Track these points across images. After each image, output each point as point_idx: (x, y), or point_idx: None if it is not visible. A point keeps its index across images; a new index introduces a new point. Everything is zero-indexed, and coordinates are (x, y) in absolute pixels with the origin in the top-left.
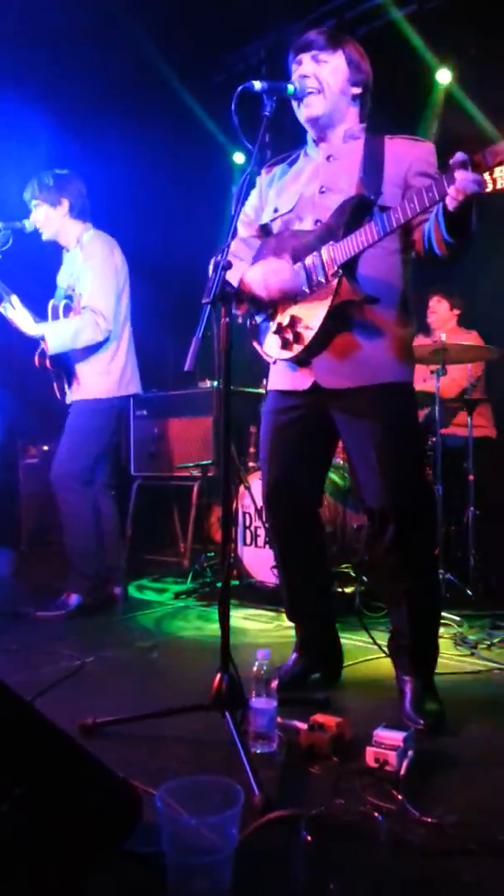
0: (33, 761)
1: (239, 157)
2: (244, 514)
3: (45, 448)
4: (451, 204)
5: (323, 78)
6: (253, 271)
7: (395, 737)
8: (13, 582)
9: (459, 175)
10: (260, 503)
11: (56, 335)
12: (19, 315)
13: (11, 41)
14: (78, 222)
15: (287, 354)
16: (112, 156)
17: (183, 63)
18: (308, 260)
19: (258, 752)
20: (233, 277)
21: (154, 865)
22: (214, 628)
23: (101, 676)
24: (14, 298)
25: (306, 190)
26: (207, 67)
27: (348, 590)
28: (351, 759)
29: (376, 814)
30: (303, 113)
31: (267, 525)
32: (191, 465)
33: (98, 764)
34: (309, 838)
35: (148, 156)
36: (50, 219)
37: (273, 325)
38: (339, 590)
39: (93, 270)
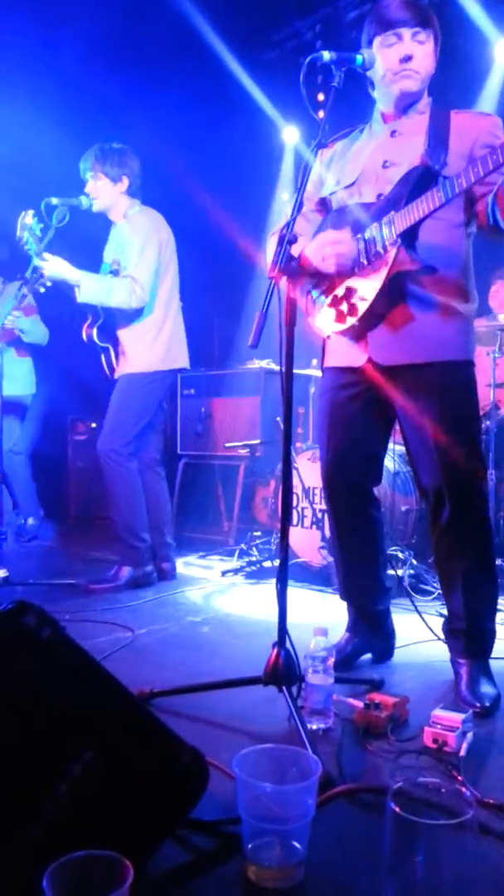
0: (107, 724)
1: (289, 134)
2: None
3: (94, 425)
4: None
5: (422, 59)
6: (312, 244)
7: (454, 718)
8: (62, 553)
9: None
10: (307, 483)
11: (90, 285)
12: (55, 263)
13: (62, 18)
14: (130, 199)
15: (340, 327)
16: (161, 131)
17: (235, 39)
18: (367, 232)
19: (314, 727)
20: (294, 252)
21: (223, 834)
22: (263, 606)
23: (154, 648)
24: (45, 254)
25: (369, 164)
26: (260, 43)
27: (397, 573)
28: (408, 739)
29: (464, 789)
30: (397, 86)
31: (324, 502)
32: (239, 444)
33: (168, 730)
34: (397, 809)
35: (197, 131)
36: (107, 192)
37: (328, 299)
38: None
39: (136, 243)
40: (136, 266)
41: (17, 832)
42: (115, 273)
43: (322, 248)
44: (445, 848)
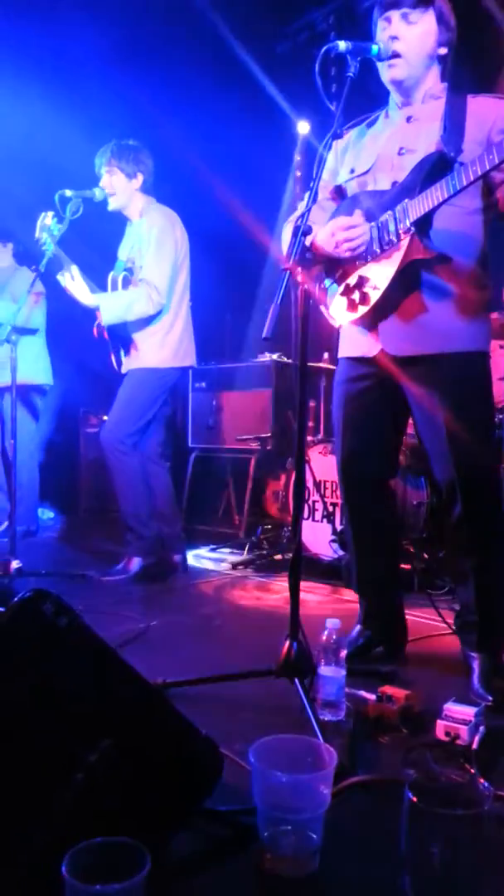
0: (123, 712)
1: (303, 127)
2: None
3: (105, 418)
4: None
5: (411, 40)
6: (324, 230)
7: (467, 711)
8: (74, 544)
9: None
10: (318, 477)
11: (110, 306)
12: (77, 285)
13: (76, 13)
14: (145, 196)
15: (352, 316)
16: (173, 123)
17: (247, 32)
18: (381, 219)
19: (326, 719)
20: (308, 243)
21: (236, 824)
22: (274, 598)
23: (166, 640)
24: (74, 269)
25: (384, 151)
26: (272, 36)
27: (409, 566)
28: (420, 732)
29: (482, 780)
30: (387, 75)
31: (340, 495)
32: (250, 437)
33: (183, 719)
34: (415, 799)
35: (209, 124)
36: (123, 189)
37: (340, 287)
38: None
39: (152, 244)
40: (152, 269)
41: (36, 818)
42: (129, 271)
43: (334, 234)
44: (462, 839)
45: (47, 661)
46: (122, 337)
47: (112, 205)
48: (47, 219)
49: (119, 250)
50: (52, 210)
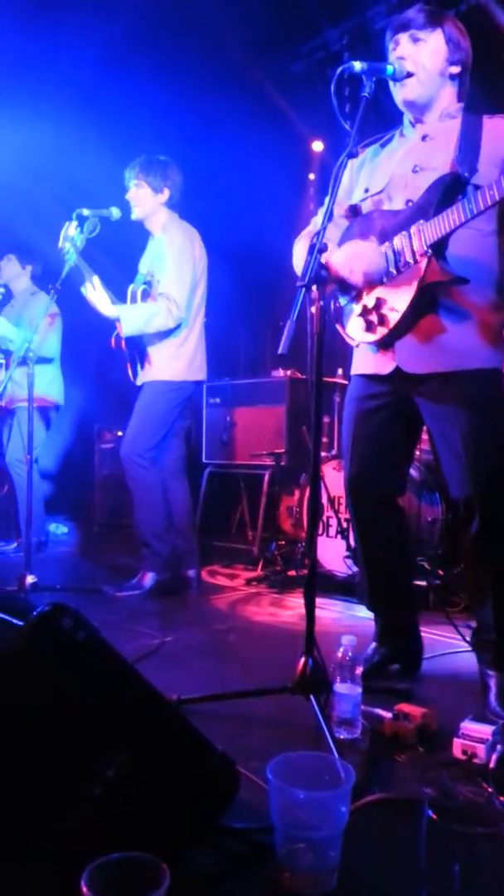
0: (140, 727)
1: (317, 146)
2: None
3: (120, 433)
4: None
5: (420, 60)
6: (339, 254)
7: (484, 730)
8: (88, 559)
9: None
10: (332, 493)
11: (130, 318)
12: (98, 296)
13: (92, 31)
14: (169, 212)
15: (371, 337)
16: (187, 143)
17: (262, 52)
18: (396, 240)
19: (342, 737)
20: (323, 260)
21: (252, 841)
22: (288, 615)
23: (181, 656)
24: (95, 279)
25: (399, 169)
26: (287, 56)
27: (423, 583)
28: (437, 750)
29: (502, 797)
30: (399, 95)
31: (349, 513)
32: (264, 453)
33: (199, 735)
34: (434, 817)
35: (223, 144)
36: (147, 202)
37: (358, 308)
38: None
39: (171, 260)
40: (171, 283)
41: (53, 832)
42: (148, 284)
43: (350, 261)
44: (482, 857)
45: (65, 675)
46: (138, 349)
47: (135, 214)
48: (70, 229)
49: (140, 263)
50: (76, 221)
